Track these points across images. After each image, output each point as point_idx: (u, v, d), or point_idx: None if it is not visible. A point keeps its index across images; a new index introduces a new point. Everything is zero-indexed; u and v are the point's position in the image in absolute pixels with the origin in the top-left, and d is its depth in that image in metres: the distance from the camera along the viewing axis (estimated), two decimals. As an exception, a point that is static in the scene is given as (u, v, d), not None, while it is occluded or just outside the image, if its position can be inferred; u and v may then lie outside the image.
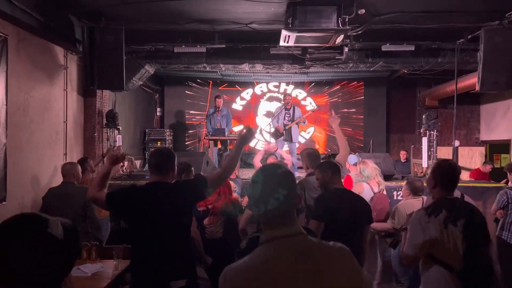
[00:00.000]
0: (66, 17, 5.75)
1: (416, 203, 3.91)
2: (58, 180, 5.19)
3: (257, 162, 5.02)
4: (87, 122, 6.77)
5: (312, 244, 1.35)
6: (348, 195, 3.06)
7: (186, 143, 11.06)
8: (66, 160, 5.89)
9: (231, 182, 4.47)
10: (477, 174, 8.13)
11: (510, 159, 9.26)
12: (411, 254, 2.37)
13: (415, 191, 4.06)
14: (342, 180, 3.37)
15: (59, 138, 5.95)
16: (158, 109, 11.32)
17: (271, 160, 4.88)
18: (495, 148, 10.25)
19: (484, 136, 10.73)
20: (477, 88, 6.05)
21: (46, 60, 5.66)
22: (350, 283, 1.32)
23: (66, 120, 6.08)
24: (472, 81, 7.48)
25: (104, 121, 6.96)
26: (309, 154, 3.71)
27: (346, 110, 10.92)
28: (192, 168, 3.98)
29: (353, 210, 2.90)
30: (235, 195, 4.23)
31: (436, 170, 2.47)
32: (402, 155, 9.25)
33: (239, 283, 1.28)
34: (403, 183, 4.40)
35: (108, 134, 7.02)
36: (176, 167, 2.63)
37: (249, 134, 2.58)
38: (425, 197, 4.04)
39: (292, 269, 1.27)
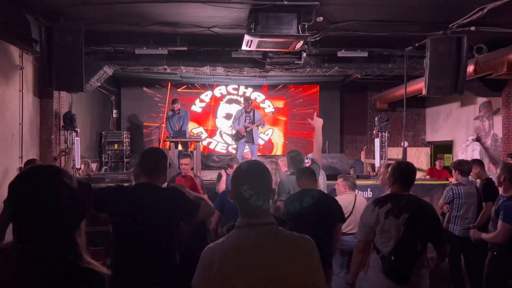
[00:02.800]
0: (22, 16, 5.57)
1: (350, 198, 4.34)
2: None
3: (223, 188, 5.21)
4: (44, 124, 6.58)
5: (280, 232, 1.56)
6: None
7: (145, 145, 10.92)
8: (22, 163, 5.70)
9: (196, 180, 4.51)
10: (432, 172, 8.85)
11: (452, 159, 9.99)
12: (361, 239, 2.73)
13: (352, 186, 4.43)
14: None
15: (15, 140, 5.75)
16: (115, 111, 11.09)
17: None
18: (439, 149, 11.01)
19: (429, 137, 11.49)
20: (424, 92, 6.51)
21: (0, 60, 5.46)
22: (305, 269, 1.51)
23: (22, 122, 5.89)
24: (419, 85, 8.02)
25: (61, 123, 6.79)
26: (292, 157, 3.88)
27: (302, 112, 11.27)
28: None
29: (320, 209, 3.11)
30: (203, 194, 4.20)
31: (396, 169, 2.80)
32: (363, 155, 9.71)
33: (215, 258, 1.49)
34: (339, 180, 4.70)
35: (66, 136, 6.86)
36: (167, 170, 2.58)
37: None
38: (357, 193, 4.56)
39: (259, 250, 1.48)
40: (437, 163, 9.04)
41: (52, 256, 1.16)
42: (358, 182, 5.46)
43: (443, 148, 10.76)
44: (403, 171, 2.78)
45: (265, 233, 1.52)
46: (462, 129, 9.73)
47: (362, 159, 9.55)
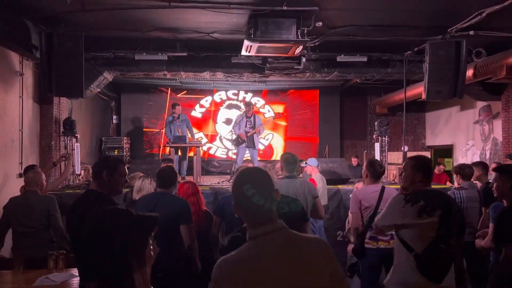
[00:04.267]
0: (22, 22, 5.58)
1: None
2: (13, 189, 5.02)
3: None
4: (44, 130, 6.57)
5: (294, 236, 1.51)
6: None
7: (145, 151, 10.92)
8: (22, 170, 5.69)
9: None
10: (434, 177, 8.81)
11: (452, 163, 9.98)
12: (378, 226, 2.78)
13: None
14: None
15: (15, 146, 5.74)
16: (115, 117, 11.10)
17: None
18: (439, 153, 11.00)
19: (429, 141, 11.48)
20: (424, 96, 6.52)
21: (0, 66, 5.47)
22: (328, 268, 1.48)
23: (22, 128, 5.88)
24: (418, 90, 8.03)
25: (61, 129, 6.79)
26: (286, 159, 3.77)
27: (302, 117, 11.29)
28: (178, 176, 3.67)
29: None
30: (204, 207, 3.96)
31: (418, 164, 2.74)
32: (354, 161, 9.81)
33: (232, 273, 1.43)
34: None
35: (66, 142, 6.85)
36: (108, 174, 2.47)
37: None
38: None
39: (279, 260, 1.43)
40: (436, 168, 9.00)
41: None
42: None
43: (443, 152, 10.75)
44: (426, 165, 2.74)
45: (279, 241, 1.46)
46: (462, 133, 9.73)
47: (354, 164, 9.56)
